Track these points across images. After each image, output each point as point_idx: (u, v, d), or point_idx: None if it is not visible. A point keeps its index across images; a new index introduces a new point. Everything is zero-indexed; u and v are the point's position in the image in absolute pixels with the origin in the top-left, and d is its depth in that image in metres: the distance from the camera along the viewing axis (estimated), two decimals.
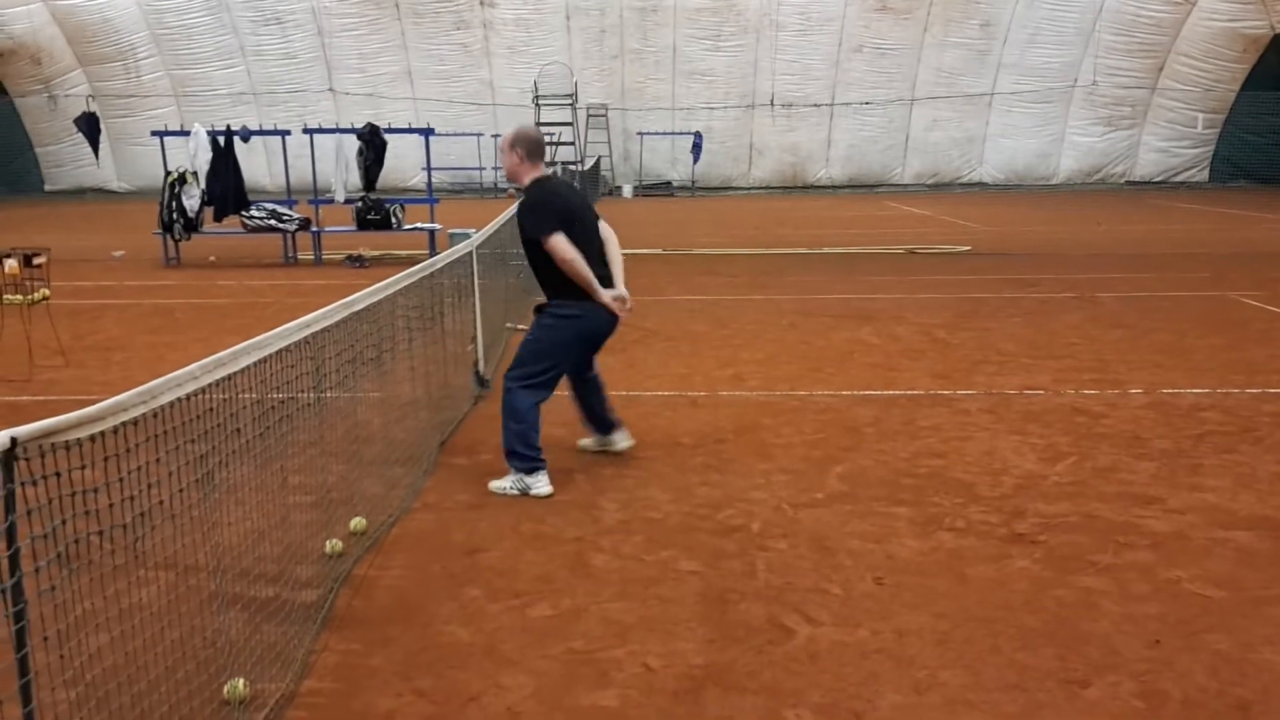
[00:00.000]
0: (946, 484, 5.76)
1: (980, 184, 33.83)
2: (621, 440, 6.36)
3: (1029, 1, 31.47)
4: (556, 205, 5.74)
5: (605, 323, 5.84)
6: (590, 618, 4.20)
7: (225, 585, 4.02)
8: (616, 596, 4.40)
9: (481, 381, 7.93)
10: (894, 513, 5.34)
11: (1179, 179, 33.57)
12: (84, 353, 9.44)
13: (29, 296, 8.68)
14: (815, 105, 33.03)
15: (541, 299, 5.94)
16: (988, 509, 5.38)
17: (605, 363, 8.92)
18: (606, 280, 5.78)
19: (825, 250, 17.21)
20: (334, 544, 4.74)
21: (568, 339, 5.77)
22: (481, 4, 31.82)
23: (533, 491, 5.63)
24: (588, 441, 6.45)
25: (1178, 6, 31.18)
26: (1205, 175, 33.66)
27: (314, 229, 16.31)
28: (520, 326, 10.30)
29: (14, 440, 2.09)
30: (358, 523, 5.03)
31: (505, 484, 5.71)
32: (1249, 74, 32.07)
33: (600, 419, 6.30)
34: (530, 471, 5.66)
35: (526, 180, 5.83)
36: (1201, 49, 31.70)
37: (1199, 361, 8.72)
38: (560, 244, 5.56)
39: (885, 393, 7.80)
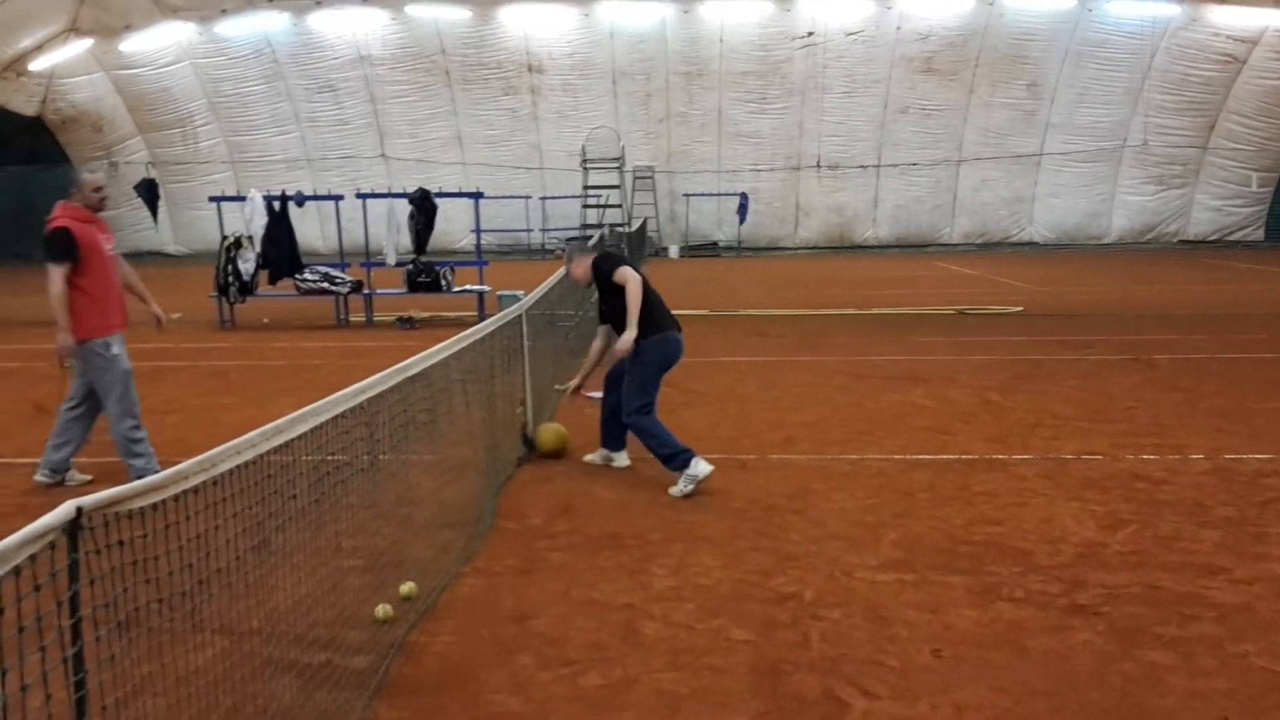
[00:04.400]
0: (1004, 552, 5.65)
1: (1030, 243, 33.61)
2: (623, 459, 7.55)
3: (1076, 61, 31.47)
4: (619, 256, 7.39)
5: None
6: (642, 688, 4.14)
7: (278, 651, 4.03)
8: (668, 666, 4.34)
9: (530, 445, 7.94)
10: (950, 581, 5.24)
11: (1234, 238, 33.14)
12: (142, 415, 9.55)
13: None
14: (862, 167, 33.12)
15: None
16: (1047, 578, 5.26)
17: None
18: (673, 324, 7.25)
19: (874, 311, 17.13)
20: (384, 609, 4.73)
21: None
22: (530, 70, 32.40)
23: (700, 474, 6.75)
24: (594, 456, 7.67)
25: (1228, 65, 31.03)
26: (1261, 234, 33.19)
27: (366, 291, 16.55)
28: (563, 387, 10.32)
29: (79, 510, 2.11)
30: (408, 588, 5.02)
31: (681, 486, 6.76)
32: None
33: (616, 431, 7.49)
34: (686, 463, 6.77)
35: (588, 263, 7.36)
36: (1254, 107, 31.46)
37: (1260, 426, 8.52)
38: (631, 275, 7.05)
39: (939, 457, 7.70)
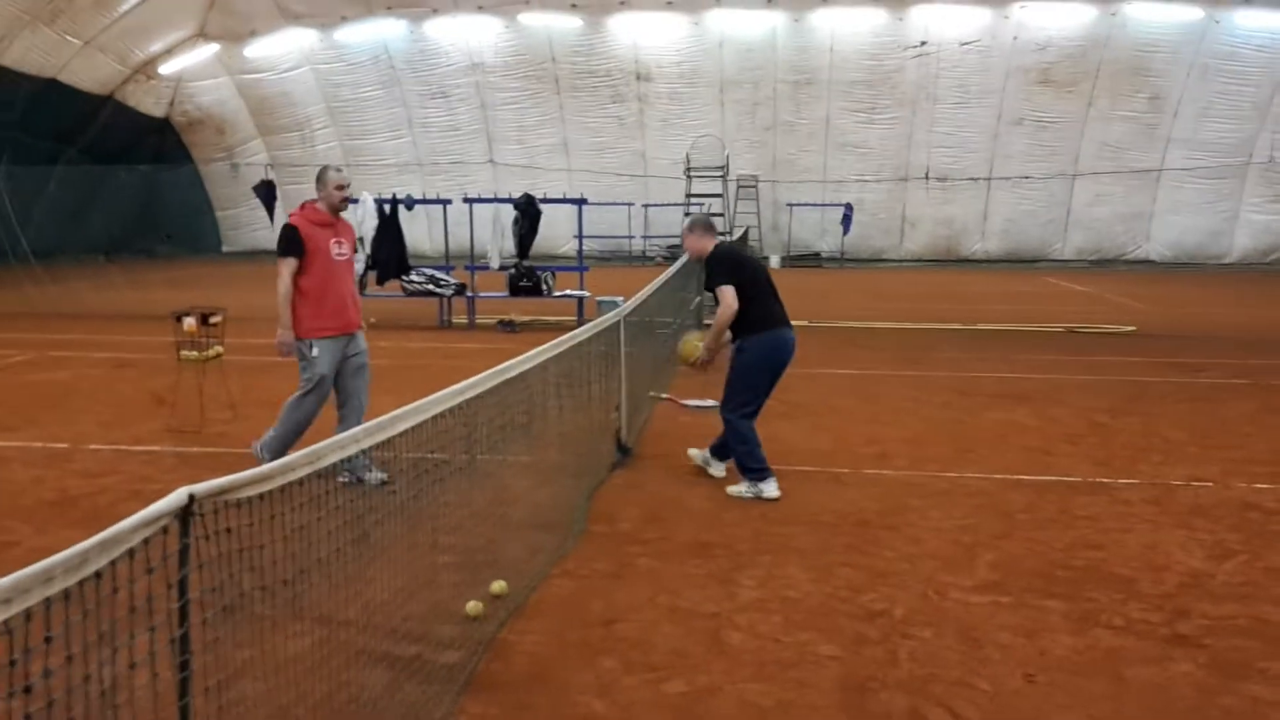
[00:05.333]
0: (1104, 578, 5.50)
1: (1147, 261, 32.53)
2: (719, 469, 7.43)
3: (1201, 75, 30.35)
4: (730, 261, 7.18)
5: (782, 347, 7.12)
6: (726, 698, 4.15)
7: (372, 642, 4.14)
8: (753, 677, 4.33)
9: (623, 450, 7.99)
10: (1047, 606, 5.12)
11: None
12: (252, 407, 9.92)
13: (204, 353, 9.19)
14: (972, 179, 32.47)
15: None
16: (1149, 607, 5.10)
17: None
18: (782, 321, 7.13)
19: (980, 326, 16.79)
20: (476, 606, 4.82)
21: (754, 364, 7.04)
22: (638, 78, 32.61)
23: (767, 495, 6.87)
24: (696, 453, 7.62)
25: None
26: None
27: (469, 294, 16.84)
28: (664, 395, 10.38)
29: (192, 497, 2.21)
30: (499, 586, 5.10)
31: (740, 489, 6.96)
32: None
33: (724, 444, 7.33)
34: (761, 479, 6.92)
35: (708, 246, 7.25)
36: None
37: None
38: (727, 294, 6.91)
39: (1040, 478, 7.52)
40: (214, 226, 36.06)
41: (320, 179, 7.04)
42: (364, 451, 6.06)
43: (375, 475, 6.31)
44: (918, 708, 4.07)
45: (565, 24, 31.95)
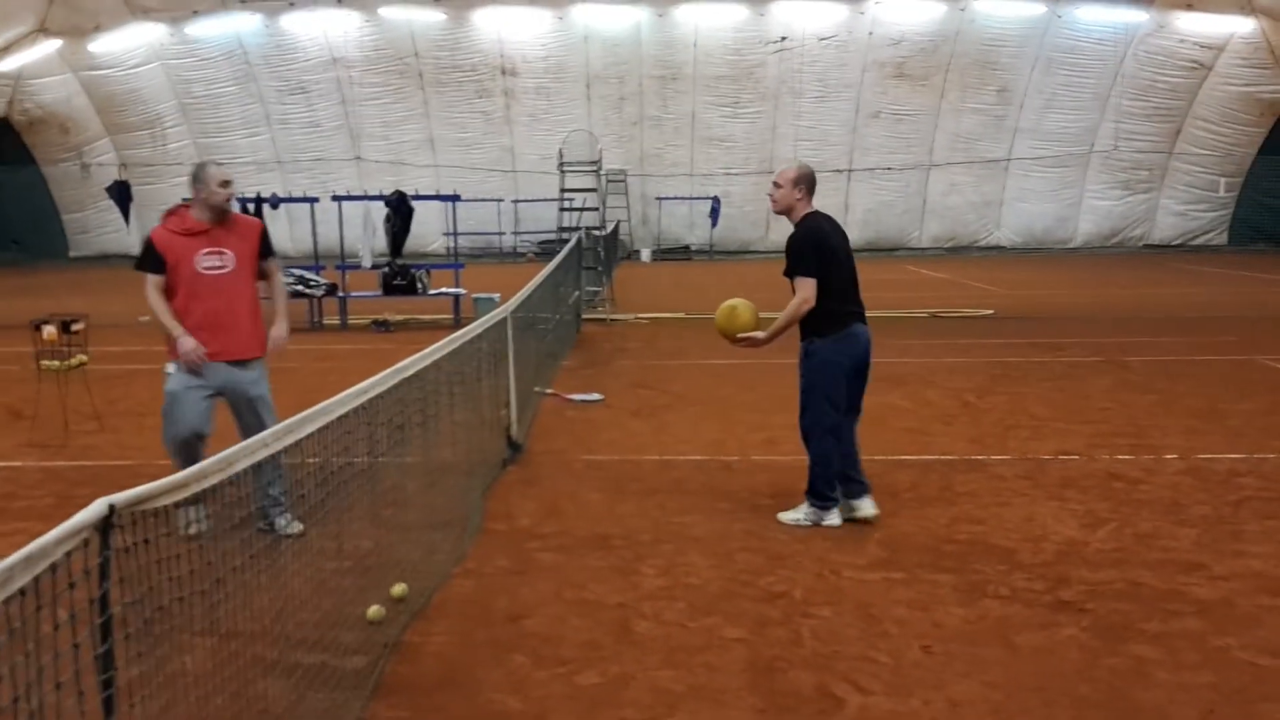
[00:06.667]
0: (988, 551, 5.73)
1: (998, 247, 33.95)
2: (867, 507, 6.23)
3: (1045, 68, 31.84)
4: (820, 247, 6.16)
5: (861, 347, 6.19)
6: (639, 686, 4.18)
7: (276, 652, 4.03)
8: (663, 664, 4.38)
9: (514, 446, 7.96)
10: (937, 579, 5.31)
11: (1198, 242, 33.63)
12: (117, 418, 9.52)
13: (65, 362, 8.77)
14: (836, 171, 33.29)
15: None
16: (1031, 576, 5.34)
17: (634, 427, 8.99)
18: (858, 316, 6.20)
19: None
20: (376, 610, 4.74)
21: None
22: (503, 73, 32.38)
23: (829, 524, 6.15)
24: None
25: (1193, 72, 31.50)
26: (1224, 238, 33.71)
27: (341, 294, 16.47)
28: (548, 390, 10.36)
29: (112, 507, 2.12)
30: (399, 589, 5.02)
31: (797, 515, 6.23)
32: (1266, 138, 32.28)
33: (844, 476, 6.23)
34: (826, 509, 6.18)
35: (800, 206, 6.30)
36: (1219, 113, 31.96)
37: (1233, 427, 8.68)
38: (807, 287, 6.05)
39: (920, 457, 7.79)
40: (60, 231, 34.26)
41: (198, 177, 5.93)
42: (278, 495, 5.46)
43: (291, 523, 5.33)
44: (824, 683, 4.18)
45: (427, 18, 31.49)
